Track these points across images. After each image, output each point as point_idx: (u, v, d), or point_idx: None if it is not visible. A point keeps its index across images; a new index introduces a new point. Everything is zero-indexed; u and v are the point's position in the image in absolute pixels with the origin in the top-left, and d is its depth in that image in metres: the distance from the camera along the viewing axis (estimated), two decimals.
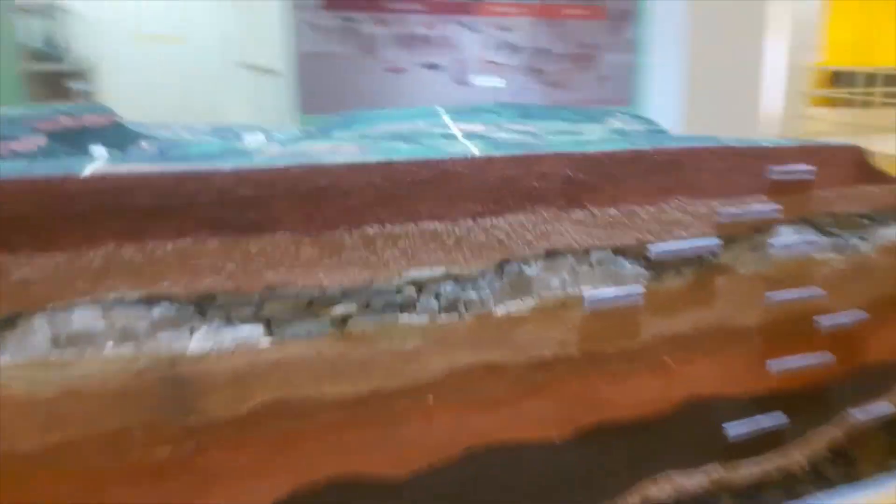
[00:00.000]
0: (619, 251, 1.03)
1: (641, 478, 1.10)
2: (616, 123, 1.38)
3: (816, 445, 1.23)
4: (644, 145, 1.05)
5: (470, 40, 3.78)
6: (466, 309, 0.95)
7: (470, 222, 0.94)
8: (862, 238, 1.23)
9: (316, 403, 0.88)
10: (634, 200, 1.03)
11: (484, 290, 0.95)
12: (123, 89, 6.79)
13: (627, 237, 1.03)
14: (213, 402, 0.83)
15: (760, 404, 1.17)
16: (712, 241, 1.08)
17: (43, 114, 1.22)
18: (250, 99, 5.60)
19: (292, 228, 0.85)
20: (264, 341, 0.85)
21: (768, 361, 1.16)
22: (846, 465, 1.27)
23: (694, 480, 1.13)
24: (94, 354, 0.78)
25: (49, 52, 4.95)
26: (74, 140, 1.15)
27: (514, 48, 3.90)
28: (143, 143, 1.11)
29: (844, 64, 6.46)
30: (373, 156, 0.89)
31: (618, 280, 1.03)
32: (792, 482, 1.22)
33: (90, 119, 1.27)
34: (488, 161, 0.94)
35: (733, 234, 1.11)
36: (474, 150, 0.98)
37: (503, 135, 1.18)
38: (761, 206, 1.11)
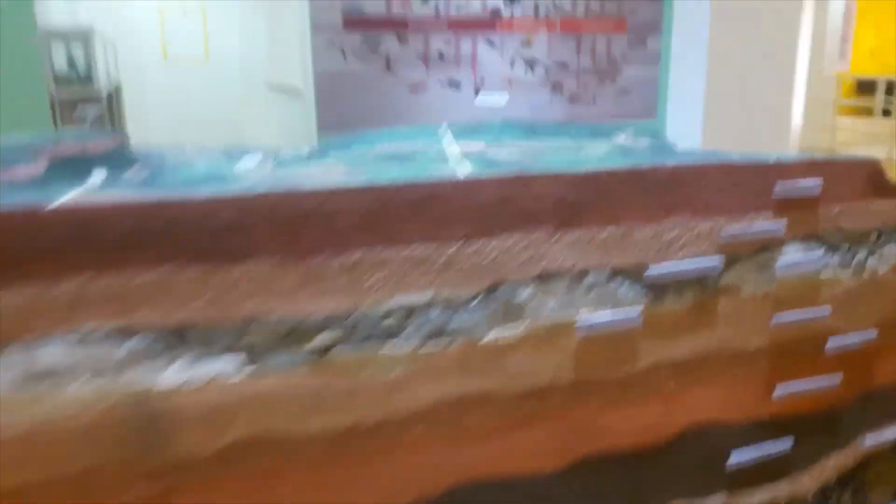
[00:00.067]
0: (616, 273, 1.00)
1: None
2: (622, 139, 1.35)
3: (827, 472, 1.19)
4: (643, 162, 1.02)
5: (490, 57, 3.78)
6: (455, 336, 0.92)
7: (458, 245, 0.91)
8: (873, 255, 1.18)
9: (297, 438, 0.85)
10: (632, 220, 1.00)
11: (473, 315, 0.93)
12: (150, 111, 6.93)
13: (625, 258, 1.00)
14: (189, 438, 0.80)
15: (767, 430, 1.13)
16: (714, 262, 1.05)
17: (48, 140, 1.23)
18: (273, 119, 5.66)
19: (272, 255, 0.82)
20: (243, 373, 0.82)
21: (775, 386, 1.12)
22: (858, 492, 1.22)
23: None
24: (65, 390, 0.76)
25: (75, 75, 5.04)
26: (76, 166, 1.15)
27: (534, 63, 3.89)
28: (136, 168, 1.11)
29: (869, 72, 6.35)
30: (360, 178, 0.88)
31: (615, 303, 1.00)
32: None
33: (95, 145, 1.28)
34: (478, 182, 0.92)
35: (737, 254, 1.07)
36: (466, 170, 0.96)
37: (502, 153, 1.16)
38: (766, 224, 1.08)
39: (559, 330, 0.97)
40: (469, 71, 3.77)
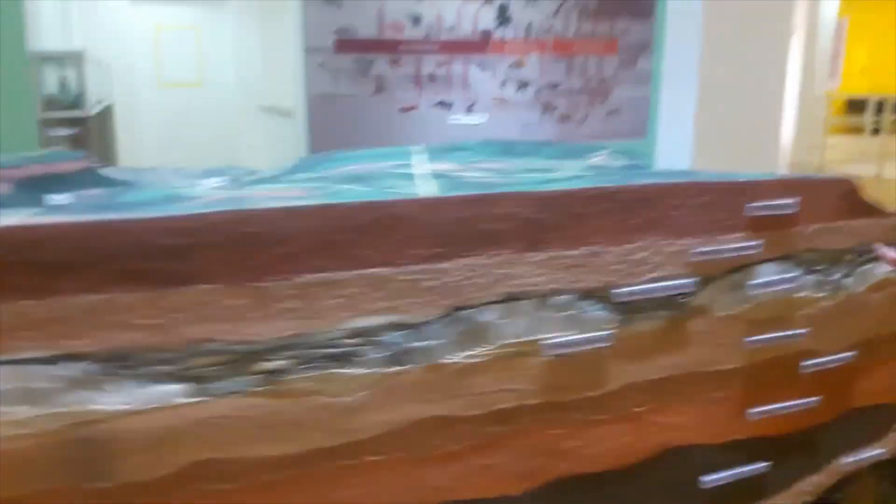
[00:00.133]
0: (583, 294, 0.97)
1: None
2: (597, 159, 1.34)
3: (804, 493, 1.16)
4: (614, 182, 1.00)
5: (481, 78, 3.78)
6: (415, 359, 0.89)
7: (418, 267, 0.88)
8: (850, 275, 1.16)
9: (248, 464, 0.82)
10: (599, 240, 0.97)
11: (434, 338, 0.90)
12: (143, 133, 6.94)
13: (592, 279, 0.97)
14: (133, 465, 0.77)
15: (742, 451, 1.10)
16: (685, 282, 1.02)
17: (14, 162, 1.21)
18: (266, 141, 5.66)
19: (218, 279, 0.80)
20: (189, 399, 0.79)
21: (750, 407, 1.10)
22: None
23: None
24: (1, 416, 0.73)
25: (65, 98, 5.04)
26: (39, 188, 1.13)
27: (525, 84, 3.89)
28: (93, 191, 1.09)
29: (859, 90, 6.38)
30: (317, 199, 0.86)
31: (583, 325, 0.97)
32: None
33: (61, 166, 1.26)
34: (439, 202, 0.90)
35: (709, 274, 1.05)
36: (428, 190, 0.94)
37: (472, 174, 1.14)
38: (739, 244, 1.05)
39: (526, 352, 0.94)
40: (461, 92, 3.77)
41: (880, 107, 6.11)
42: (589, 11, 3.96)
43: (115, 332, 0.77)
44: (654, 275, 1.00)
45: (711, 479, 1.07)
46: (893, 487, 1.27)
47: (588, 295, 0.98)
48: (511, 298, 0.94)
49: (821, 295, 1.14)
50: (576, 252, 0.96)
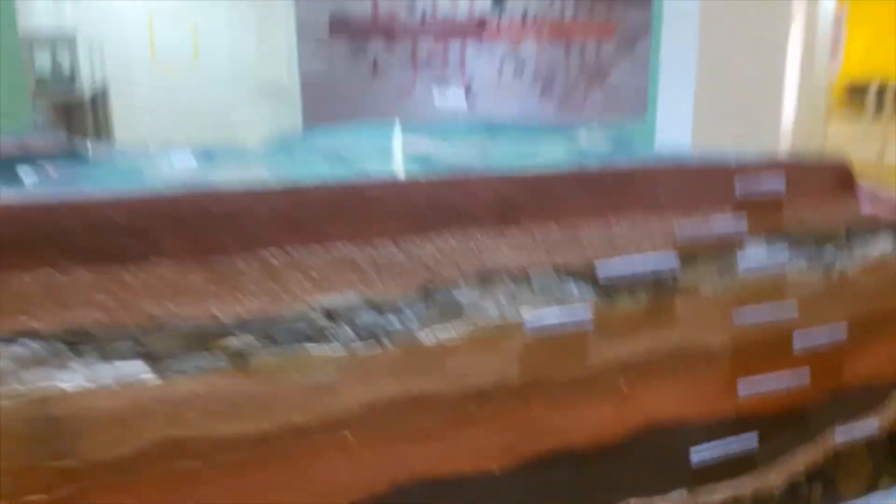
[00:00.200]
0: (564, 272, 0.95)
1: None
2: (583, 140, 1.31)
3: (794, 467, 1.15)
4: (595, 163, 0.97)
5: (479, 61, 3.74)
6: (388, 338, 0.87)
7: (389, 244, 0.86)
8: (842, 255, 1.14)
9: (213, 443, 0.81)
10: (580, 220, 0.95)
11: (408, 316, 0.88)
12: (139, 113, 6.90)
13: (573, 257, 0.95)
14: (94, 444, 0.76)
15: (730, 427, 1.09)
16: (669, 261, 1.00)
17: None
18: (261, 119, 5.63)
19: (180, 256, 0.78)
20: (148, 378, 0.78)
21: (739, 383, 1.08)
22: (829, 486, 1.18)
23: None
24: None
25: (58, 79, 5.00)
26: (12, 166, 1.11)
27: (523, 67, 3.85)
28: (52, 168, 1.06)
29: (860, 75, 6.33)
30: (286, 178, 0.83)
31: (563, 303, 0.95)
32: None
33: (36, 144, 1.24)
34: (413, 181, 0.87)
35: (695, 254, 1.03)
36: (407, 170, 0.91)
37: (451, 152, 1.11)
38: (725, 223, 1.03)
39: (504, 330, 0.93)
40: (458, 76, 3.74)
41: (881, 92, 6.06)
42: None
43: (74, 310, 0.75)
44: (638, 253, 0.98)
45: (699, 453, 1.06)
46: (887, 463, 1.26)
47: (569, 273, 0.96)
48: (489, 276, 0.92)
49: (812, 275, 1.12)
50: (556, 230, 0.94)
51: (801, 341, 1.12)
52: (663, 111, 4.05)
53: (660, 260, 1.00)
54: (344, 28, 3.42)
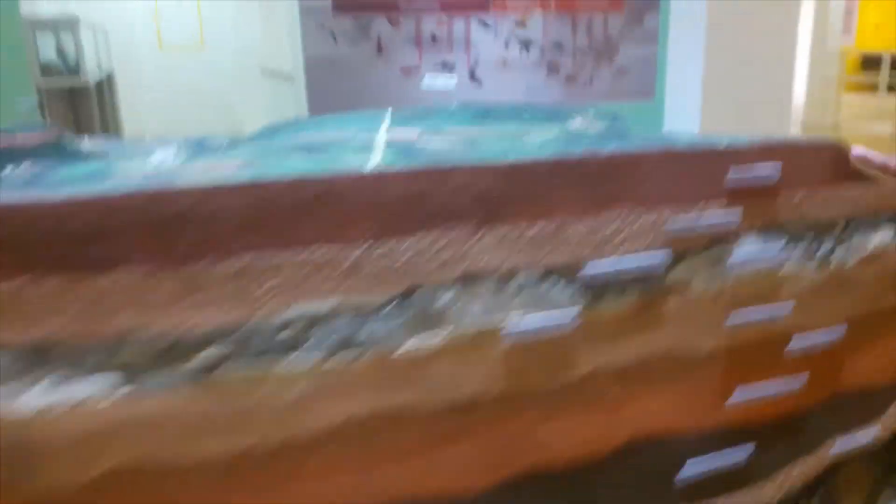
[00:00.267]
0: (549, 272, 0.91)
1: None
2: (577, 123, 1.27)
3: (791, 480, 1.10)
4: (584, 149, 0.94)
5: (484, 38, 3.69)
6: (366, 347, 0.83)
7: (366, 246, 0.82)
8: (840, 246, 1.09)
9: (186, 463, 0.77)
10: (565, 214, 0.91)
11: (387, 323, 0.84)
12: (145, 99, 6.88)
13: (557, 256, 0.91)
14: (56, 466, 0.72)
15: (724, 438, 1.04)
16: (659, 257, 0.97)
17: None
18: (267, 104, 5.60)
19: (142, 263, 0.74)
20: (117, 394, 0.74)
21: (733, 390, 1.05)
22: (826, 499, 1.14)
23: None
24: None
25: (63, 65, 4.99)
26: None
27: (529, 44, 3.80)
28: (26, 165, 1.04)
29: (874, 47, 6.19)
30: (256, 173, 0.80)
31: (548, 305, 0.91)
32: None
33: (24, 138, 1.22)
34: (387, 176, 0.83)
35: (686, 248, 0.98)
36: (386, 161, 0.88)
37: (437, 142, 1.08)
38: (718, 215, 0.99)
39: (486, 337, 0.89)
40: (461, 52, 3.69)
41: (893, 63, 5.94)
42: None
43: (31, 323, 0.71)
44: (625, 249, 0.95)
45: (691, 467, 1.02)
46: (886, 473, 1.22)
47: (553, 273, 0.92)
48: (468, 279, 0.88)
49: (808, 269, 1.08)
50: (538, 227, 0.90)
51: (798, 343, 1.08)
52: (672, 90, 3.98)
53: (649, 257, 0.96)
54: (348, 7, 3.38)
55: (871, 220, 1.11)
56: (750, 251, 1.02)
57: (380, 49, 3.46)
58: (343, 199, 0.80)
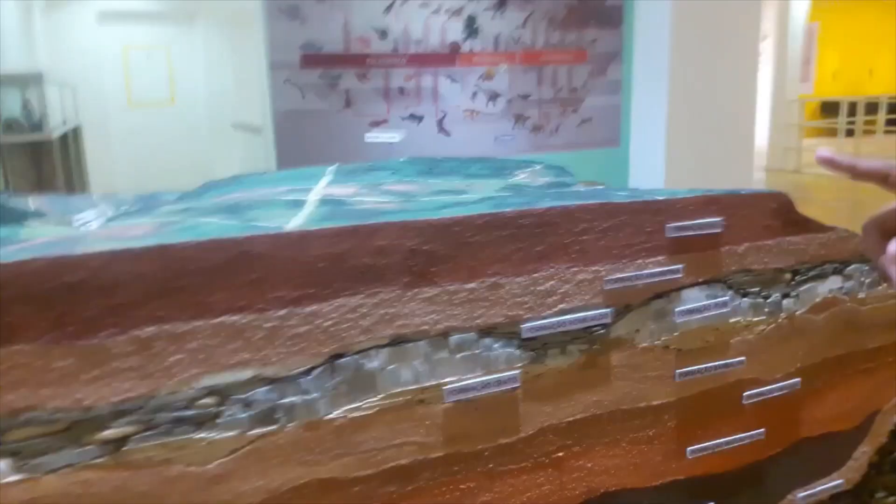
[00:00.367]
0: (485, 331, 0.88)
1: None
2: (522, 176, 1.25)
3: None
4: (523, 203, 0.91)
5: (451, 90, 3.73)
6: (289, 416, 0.79)
7: (284, 311, 0.78)
8: (788, 296, 1.08)
9: None
10: (498, 271, 0.88)
11: (311, 391, 0.80)
12: (114, 154, 6.85)
13: (494, 314, 0.88)
14: None
15: (682, 493, 1.01)
16: (600, 312, 0.94)
17: None
18: (237, 158, 5.59)
19: (38, 336, 0.69)
20: (12, 480, 0.68)
21: (687, 445, 1.01)
22: None
23: None
24: None
25: (27, 121, 4.95)
26: None
27: (496, 96, 3.84)
28: None
29: (832, 94, 6.36)
30: (164, 237, 0.76)
31: (487, 366, 0.88)
32: None
33: None
34: (309, 235, 0.79)
35: (628, 302, 0.96)
36: (312, 220, 0.85)
37: (372, 199, 1.05)
38: (659, 269, 0.97)
39: (422, 400, 0.85)
40: (429, 105, 3.72)
41: (853, 109, 6.08)
42: (557, 21, 3.92)
43: None
44: (565, 306, 0.92)
45: None
46: None
47: (490, 332, 0.89)
48: (400, 341, 0.84)
49: (758, 319, 1.06)
50: (472, 285, 0.87)
51: (752, 393, 1.05)
52: (637, 137, 4.03)
53: (590, 312, 0.93)
54: (316, 61, 3.39)
55: (818, 268, 1.09)
56: (695, 303, 1.00)
57: (348, 103, 3.47)
58: (259, 260, 0.76)
